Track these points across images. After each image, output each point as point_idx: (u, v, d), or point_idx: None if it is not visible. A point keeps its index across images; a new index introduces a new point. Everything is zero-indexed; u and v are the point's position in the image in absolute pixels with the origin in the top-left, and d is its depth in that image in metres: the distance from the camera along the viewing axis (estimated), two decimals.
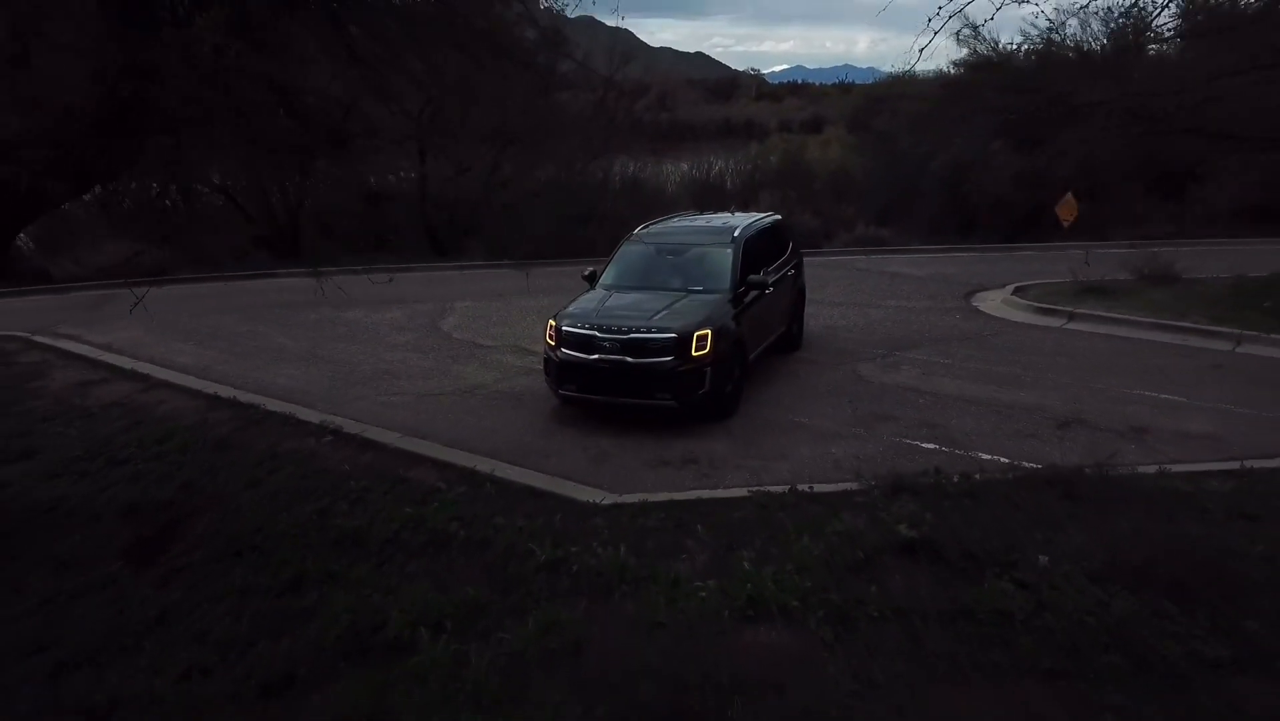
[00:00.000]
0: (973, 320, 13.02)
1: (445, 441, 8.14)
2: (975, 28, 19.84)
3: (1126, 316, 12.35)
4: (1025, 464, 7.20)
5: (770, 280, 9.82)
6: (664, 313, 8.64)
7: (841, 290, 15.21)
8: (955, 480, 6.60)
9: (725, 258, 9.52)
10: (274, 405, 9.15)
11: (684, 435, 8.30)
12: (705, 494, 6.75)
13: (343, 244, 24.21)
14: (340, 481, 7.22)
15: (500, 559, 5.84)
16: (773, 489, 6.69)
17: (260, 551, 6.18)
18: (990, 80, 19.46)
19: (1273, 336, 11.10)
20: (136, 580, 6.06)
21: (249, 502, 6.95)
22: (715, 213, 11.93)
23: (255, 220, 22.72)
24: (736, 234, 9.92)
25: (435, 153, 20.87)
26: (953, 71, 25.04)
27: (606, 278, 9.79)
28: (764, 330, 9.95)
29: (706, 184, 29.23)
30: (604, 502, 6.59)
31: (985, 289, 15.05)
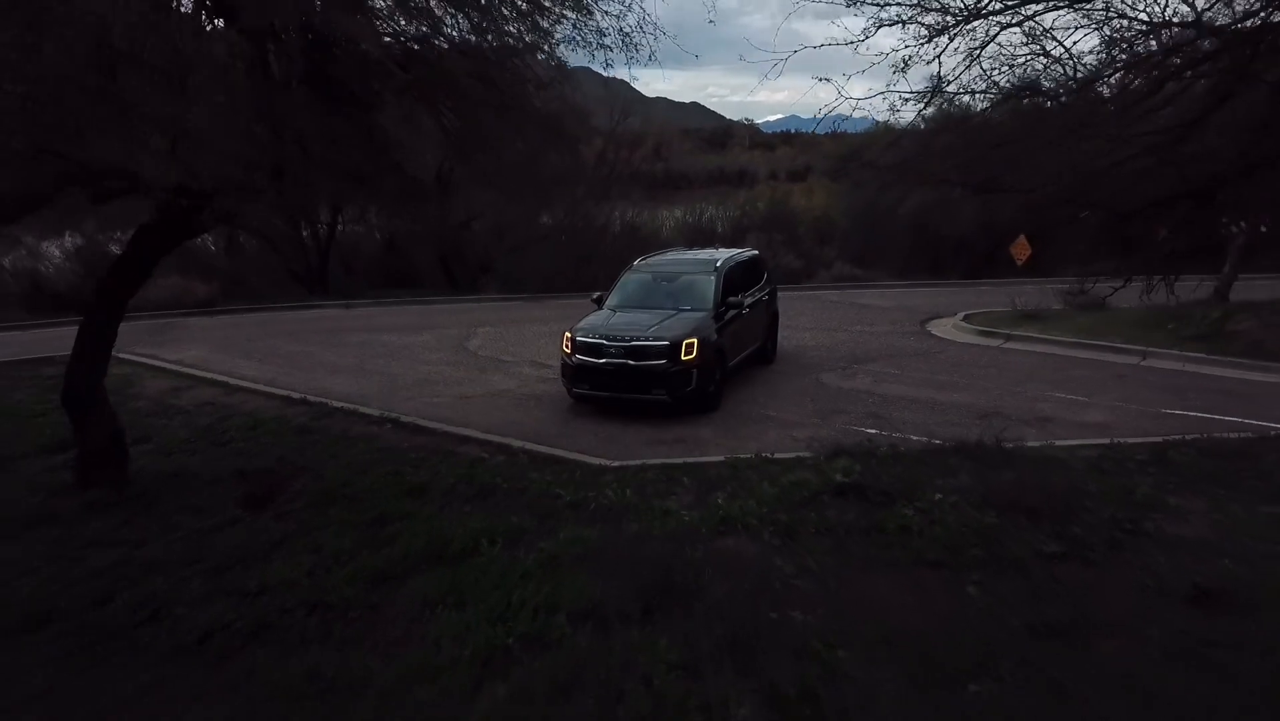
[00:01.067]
0: (924, 341, 14.89)
1: (482, 429, 9.91)
2: (938, 88, 22.03)
3: (1054, 337, 14.23)
4: (951, 441, 8.99)
5: (746, 302, 11.68)
6: (659, 326, 10.48)
7: (813, 318, 17.08)
8: (883, 448, 8.39)
9: (709, 283, 11.39)
10: (338, 403, 10.93)
11: (675, 424, 10.09)
12: (691, 459, 8.53)
13: (364, 279, 26.22)
14: (403, 454, 8.98)
15: (535, 500, 7.59)
16: (742, 456, 8.47)
17: (349, 500, 7.92)
18: (948, 142, 21.55)
19: (1171, 352, 12.95)
20: (255, 519, 7.78)
21: (333, 469, 8.69)
22: (703, 248, 13.83)
23: (289, 258, 24.63)
24: (718, 264, 11.81)
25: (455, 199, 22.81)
26: (922, 125, 27.33)
27: (611, 300, 11.64)
28: (742, 343, 11.78)
29: (698, 228, 31.34)
30: (613, 465, 8.36)
31: (940, 317, 16.94)
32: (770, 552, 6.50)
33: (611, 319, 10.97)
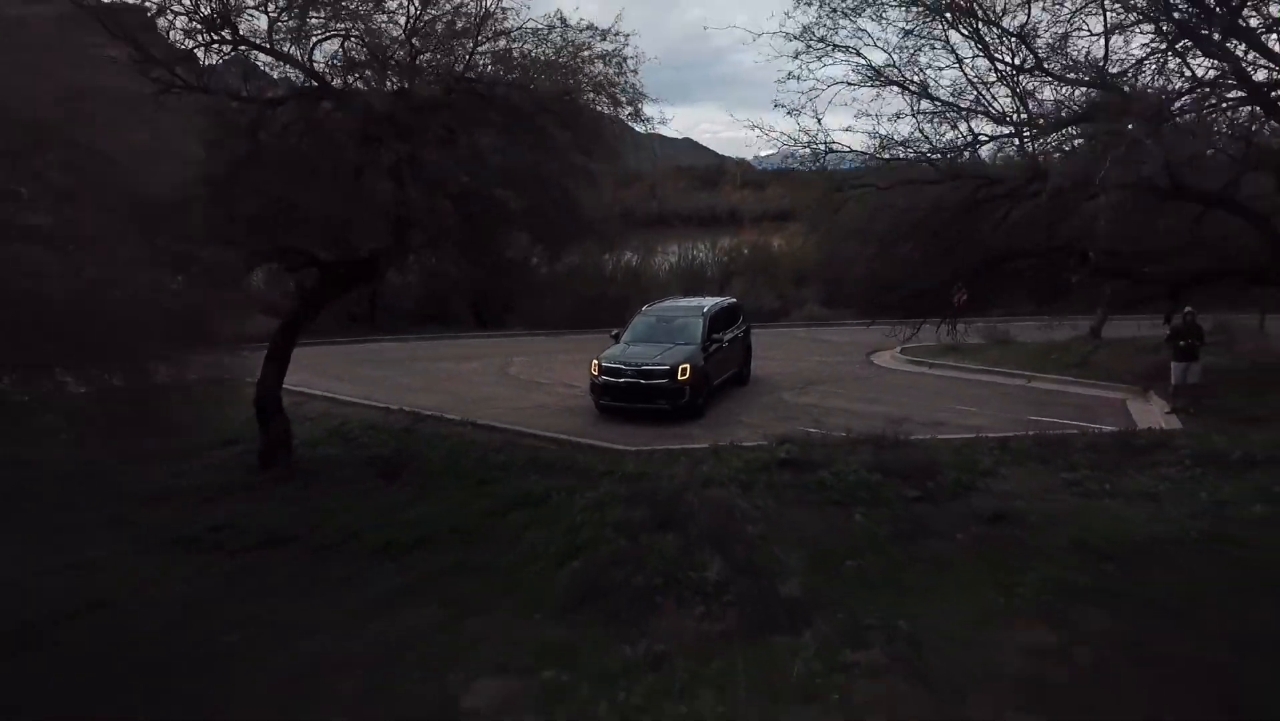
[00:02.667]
0: (866, 369, 18.43)
1: (536, 428, 13.37)
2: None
3: (965, 365, 17.77)
4: (865, 435, 12.45)
5: (726, 338, 15.23)
6: (661, 355, 14.01)
7: (783, 351, 20.60)
8: (816, 439, 11.88)
9: (698, 324, 14.94)
10: (426, 412, 14.38)
11: (673, 426, 13.56)
12: (685, 446, 12.00)
13: (404, 317, 29.73)
14: (484, 445, 12.42)
15: (581, 471, 11.02)
16: (720, 444, 11.95)
17: (455, 473, 11.34)
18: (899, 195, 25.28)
19: (1050, 376, 16.51)
20: (390, 486, 11.19)
21: (437, 455, 12.11)
22: (694, 297, 17.42)
23: (351, 300, 28.07)
24: (705, 310, 15.37)
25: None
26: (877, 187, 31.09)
27: (626, 336, 15.18)
28: (723, 368, 15.30)
29: (690, 272, 34.93)
30: (631, 449, 11.83)
31: (883, 350, 20.45)
32: (736, 497, 9.95)
33: (626, 350, 14.50)
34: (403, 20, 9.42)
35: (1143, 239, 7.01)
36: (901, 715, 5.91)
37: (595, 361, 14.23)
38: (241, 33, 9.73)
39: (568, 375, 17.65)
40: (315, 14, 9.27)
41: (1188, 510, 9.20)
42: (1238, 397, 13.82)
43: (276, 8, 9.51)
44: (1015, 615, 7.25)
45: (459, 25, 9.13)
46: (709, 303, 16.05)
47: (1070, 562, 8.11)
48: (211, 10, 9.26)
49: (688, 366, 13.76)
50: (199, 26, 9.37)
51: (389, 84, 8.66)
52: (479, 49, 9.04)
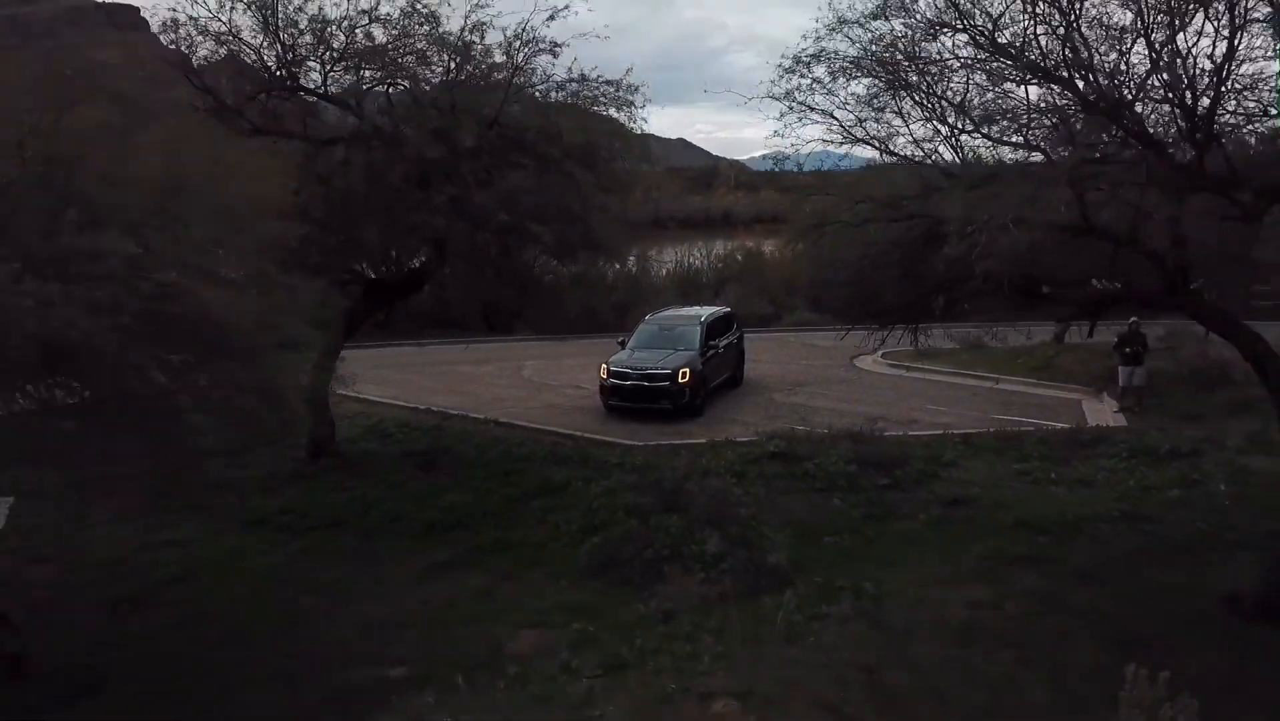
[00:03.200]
0: (849, 371, 19.86)
1: (553, 425, 14.77)
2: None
3: (939, 368, 19.21)
4: (844, 431, 13.89)
5: (722, 344, 16.65)
6: (663, 359, 15.41)
7: (773, 355, 22.01)
8: (801, 434, 13.32)
9: (696, 332, 16.35)
10: (453, 411, 15.78)
11: (674, 424, 14.97)
12: (685, 441, 13.43)
13: (414, 323, 31.07)
14: (507, 440, 13.81)
15: (596, 462, 12.43)
16: (717, 439, 13.38)
17: (484, 465, 12.74)
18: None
19: (1015, 378, 17.97)
20: (428, 476, 12.59)
21: (466, 449, 13.51)
22: (692, 306, 18.84)
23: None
24: (702, 319, 16.79)
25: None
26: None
27: (631, 343, 16.59)
28: (718, 371, 16.72)
29: (686, 278, 36.34)
30: (638, 444, 13.26)
31: (866, 354, 21.90)
32: (731, 485, 11.34)
33: (632, 355, 15.91)
34: (443, 73, 10.85)
35: (1064, 268, 8.41)
36: (862, 652, 7.34)
37: (604, 365, 15.65)
38: (300, 82, 11.19)
39: (576, 378, 19.04)
40: (369, 68, 10.68)
41: (1116, 494, 10.66)
42: (1179, 398, 15.32)
43: (332, 59, 10.96)
44: (961, 579, 8.70)
45: (494, 78, 10.57)
46: (706, 311, 17.48)
47: (1011, 537, 9.57)
48: (280, 66, 10.66)
49: (687, 370, 15.18)
50: (267, 78, 10.77)
51: (432, 131, 10.06)
52: (511, 101, 10.49)
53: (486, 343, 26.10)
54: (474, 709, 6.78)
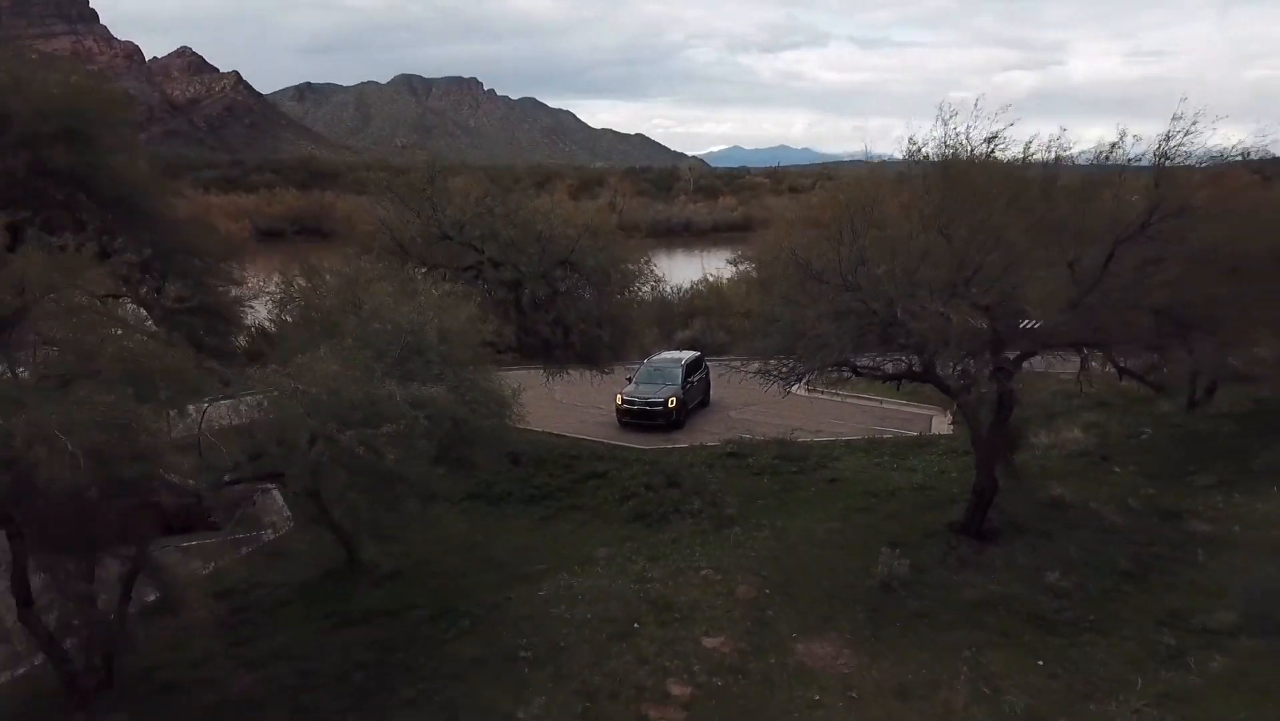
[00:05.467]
0: (784, 394, 27.03)
1: (587, 435, 21.71)
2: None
3: (845, 392, 26.38)
4: (773, 438, 20.99)
5: (695, 378, 23.77)
6: (658, 390, 22.44)
7: (730, 380, 29.09)
8: (747, 439, 20.42)
9: (678, 371, 23.41)
10: (518, 426, 22.60)
11: (666, 435, 21.96)
12: (675, 445, 20.50)
13: None
14: (559, 445, 20.72)
15: (623, 459, 19.38)
16: (694, 444, 20.48)
17: (551, 461, 19.58)
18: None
19: (896, 400, 25.27)
20: (516, 470, 19.40)
21: (539, 451, 20.34)
22: (676, 351, 25.99)
23: None
24: (683, 362, 23.88)
25: None
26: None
27: (636, 378, 23.61)
28: (694, 397, 23.78)
29: (662, 309, 43.31)
30: (645, 447, 20.29)
31: None
32: (705, 472, 18.43)
33: (638, 387, 22.92)
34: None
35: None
36: (773, 550, 14.44)
37: (619, 395, 22.66)
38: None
39: (594, 401, 25.92)
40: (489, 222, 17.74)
41: (923, 476, 17.93)
42: None
43: (467, 217, 17.93)
44: (827, 519, 15.81)
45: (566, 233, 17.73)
46: (685, 356, 24.60)
47: (858, 499, 16.73)
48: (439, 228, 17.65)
49: (674, 398, 22.24)
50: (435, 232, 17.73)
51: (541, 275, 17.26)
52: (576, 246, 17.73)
53: (519, 370, 33.00)
54: (585, 578, 13.77)
